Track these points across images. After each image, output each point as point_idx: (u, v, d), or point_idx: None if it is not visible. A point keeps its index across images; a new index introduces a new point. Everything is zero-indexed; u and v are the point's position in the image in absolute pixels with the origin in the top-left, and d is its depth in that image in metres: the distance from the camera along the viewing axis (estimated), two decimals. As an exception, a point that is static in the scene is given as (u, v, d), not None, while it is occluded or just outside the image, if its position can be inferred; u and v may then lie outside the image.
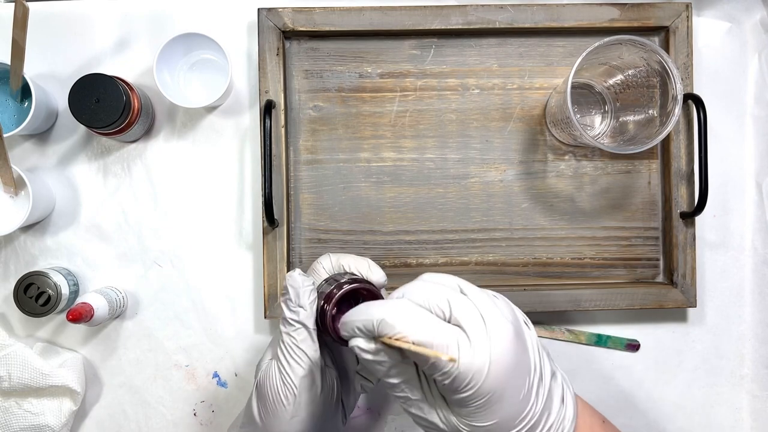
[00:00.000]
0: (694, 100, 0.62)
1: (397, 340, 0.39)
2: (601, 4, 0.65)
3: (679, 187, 0.66)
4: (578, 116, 0.63)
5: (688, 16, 0.65)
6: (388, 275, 0.51)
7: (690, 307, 0.66)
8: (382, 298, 0.49)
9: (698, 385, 0.69)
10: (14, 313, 0.65)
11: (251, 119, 0.68)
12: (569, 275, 0.67)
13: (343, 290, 0.48)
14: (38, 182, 0.63)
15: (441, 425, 0.42)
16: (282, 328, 0.49)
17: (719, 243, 0.69)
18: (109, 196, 0.67)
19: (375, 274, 0.51)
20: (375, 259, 0.66)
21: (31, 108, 0.61)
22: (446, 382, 0.39)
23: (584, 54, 0.55)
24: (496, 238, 0.67)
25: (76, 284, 0.66)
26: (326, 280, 0.51)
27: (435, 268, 0.67)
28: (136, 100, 0.62)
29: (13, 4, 0.57)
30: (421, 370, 0.42)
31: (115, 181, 0.67)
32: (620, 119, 0.64)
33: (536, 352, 0.42)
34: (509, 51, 0.67)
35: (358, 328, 0.41)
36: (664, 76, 0.57)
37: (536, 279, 0.67)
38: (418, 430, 0.70)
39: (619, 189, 0.68)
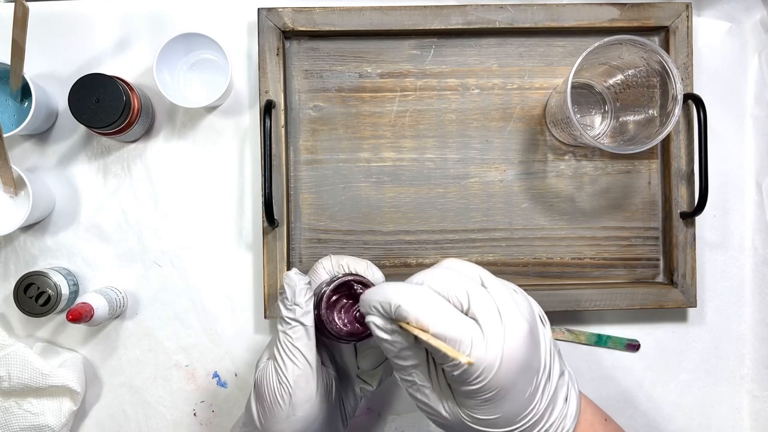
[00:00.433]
0: (694, 100, 0.62)
1: (415, 327, 0.39)
2: (601, 4, 0.65)
3: (679, 187, 0.66)
4: (578, 116, 0.63)
5: (688, 16, 0.65)
6: (388, 275, 0.51)
7: (690, 307, 0.66)
8: None
9: (698, 385, 0.69)
10: (14, 313, 0.65)
11: (251, 119, 0.68)
12: (569, 275, 0.67)
13: (334, 283, 0.49)
14: (38, 182, 0.63)
15: (444, 413, 0.42)
16: (279, 326, 0.49)
17: (719, 243, 0.69)
18: (109, 196, 0.67)
19: (373, 275, 0.51)
20: (375, 259, 0.66)
21: (31, 108, 0.61)
22: (456, 373, 0.39)
23: (584, 54, 0.55)
24: (496, 238, 0.67)
25: (76, 284, 0.66)
26: (326, 281, 0.51)
27: (435, 268, 0.67)
28: (136, 100, 0.62)
29: (13, 4, 0.57)
30: (431, 356, 0.42)
31: (115, 181, 0.67)
32: (620, 119, 0.64)
33: (548, 351, 0.43)
34: (509, 51, 0.67)
35: (375, 308, 0.41)
36: (664, 76, 0.57)
37: (536, 279, 0.67)
38: (418, 430, 0.70)
39: (619, 189, 0.67)
